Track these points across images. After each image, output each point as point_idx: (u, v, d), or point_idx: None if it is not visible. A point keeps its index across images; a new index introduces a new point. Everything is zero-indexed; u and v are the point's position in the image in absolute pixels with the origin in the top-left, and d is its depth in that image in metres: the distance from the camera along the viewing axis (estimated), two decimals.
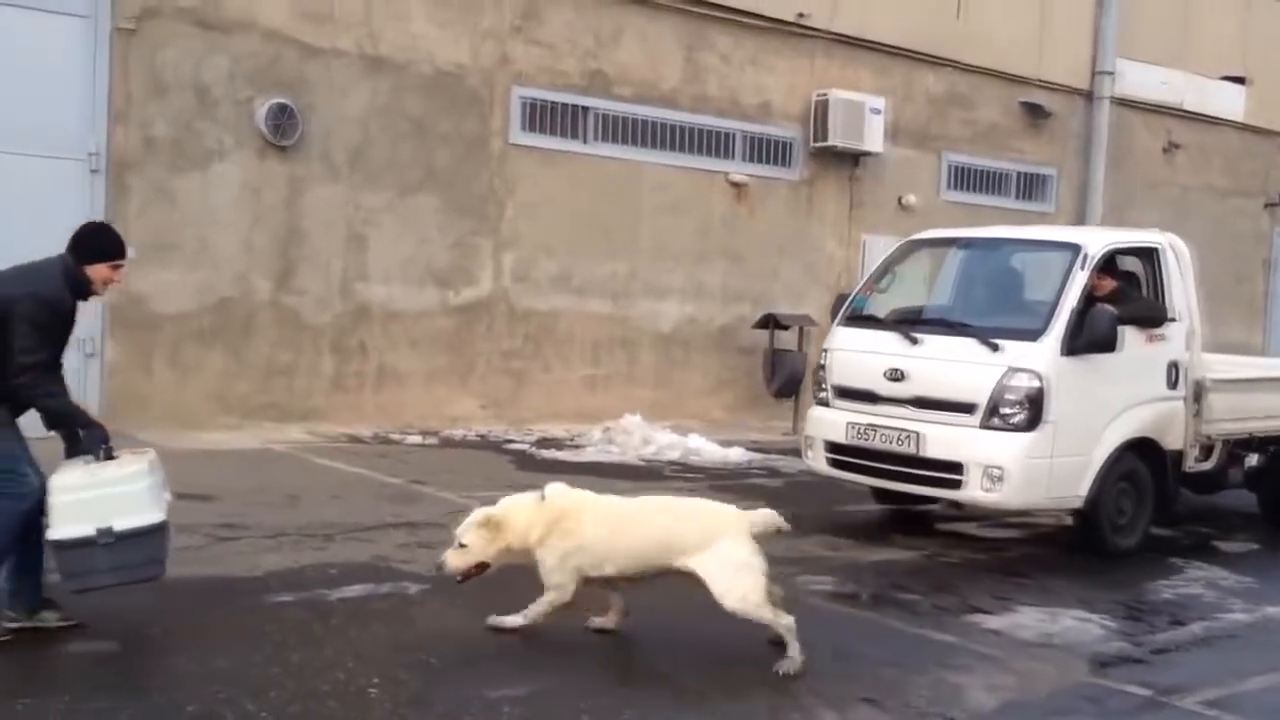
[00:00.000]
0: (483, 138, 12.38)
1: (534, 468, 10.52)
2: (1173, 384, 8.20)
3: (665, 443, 11.56)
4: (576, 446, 11.61)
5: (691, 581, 5.33)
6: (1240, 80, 18.77)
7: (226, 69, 10.87)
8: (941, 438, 7.69)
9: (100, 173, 10.32)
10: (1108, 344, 7.65)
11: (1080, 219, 17.13)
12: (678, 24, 13.50)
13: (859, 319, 8.71)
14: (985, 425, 7.57)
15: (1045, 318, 7.70)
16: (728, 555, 5.29)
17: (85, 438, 5.30)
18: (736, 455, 11.45)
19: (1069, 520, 8.36)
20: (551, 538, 5.45)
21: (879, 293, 8.94)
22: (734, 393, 14.16)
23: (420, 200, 12.05)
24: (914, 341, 8.05)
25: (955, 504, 8.52)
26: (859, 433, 8.16)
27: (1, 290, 5.12)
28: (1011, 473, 7.45)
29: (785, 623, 5.29)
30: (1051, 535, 8.83)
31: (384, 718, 4.56)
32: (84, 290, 5.42)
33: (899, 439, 7.88)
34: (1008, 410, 7.52)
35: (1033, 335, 7.65)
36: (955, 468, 7.62)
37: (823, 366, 8.66)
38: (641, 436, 11.66)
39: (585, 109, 12.98)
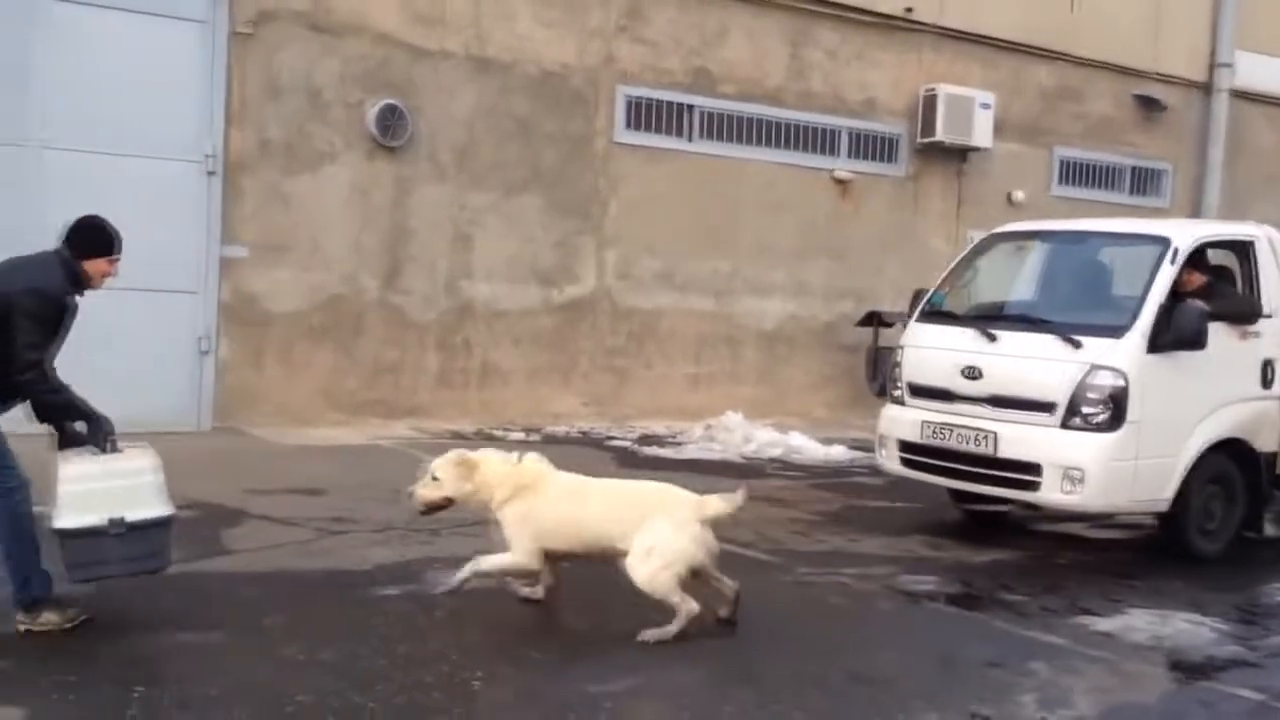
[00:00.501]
0: (587, 137, 12.46)
1: (635, 464, 10.58)
2: (1267, 383, 7.87)
3: (766, 440, 11.54)
4: (678, 444, 11.64)
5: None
6: None
7: (338, 71, 11.09)
8: (1018, 437, 7.45)
9: (216, 175, 10.60)
10: (1195, 341, 7.32)
11: (1195, 214, 16.66)
12: (783, 20, 13.43)
13: (936, 315, 8.47)
14: (1065, 425, 7.31)
15: (1130, 313, 7.41)
16: (652, 532, 5.42)
17: (91, 429, 5.27)
18: (838, 453, 11.39)
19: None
20: (513, 500, 5.61)
21: (959, 288, 8.72)
22: (836, 390, 14.05)
23: (525, 199, 12.18)
24: (991, 338, 7.81)
25: (1032, 506, 8.20)
26: (933, 432, 7.94)
27: (1, 286, 5.07)
28: (1092, 474, 7.19)
29: (689, 609, 5.41)
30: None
31: (488, 711, 4.63)
32: (82, 284, 5.44)
33: (974, 439, 7.65)
34: (1089, 410, 7.26)
35: (1117, 332, 7.36)
36: (1033, 469, 7.37)
37: (897, 364, 8.44)
38: (743, 434, 11.65)
39: (689, 107, 13.00)
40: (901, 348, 8.48)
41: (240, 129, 10.72)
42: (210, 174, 10.57)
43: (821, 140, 13.86)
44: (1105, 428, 7.22)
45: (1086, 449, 7.23)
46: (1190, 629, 6.20)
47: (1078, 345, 7.38)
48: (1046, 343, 7.54)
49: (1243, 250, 8.06)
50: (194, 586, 6.01)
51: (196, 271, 10.59)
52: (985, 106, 14.43)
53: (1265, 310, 7.91)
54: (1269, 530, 8.46)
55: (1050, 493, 7.33)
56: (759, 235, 13.50)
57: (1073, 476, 7.21)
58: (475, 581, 5.70)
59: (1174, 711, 5.08)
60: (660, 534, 5.42)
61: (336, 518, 7.71)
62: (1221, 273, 8.13)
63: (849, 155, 14.07)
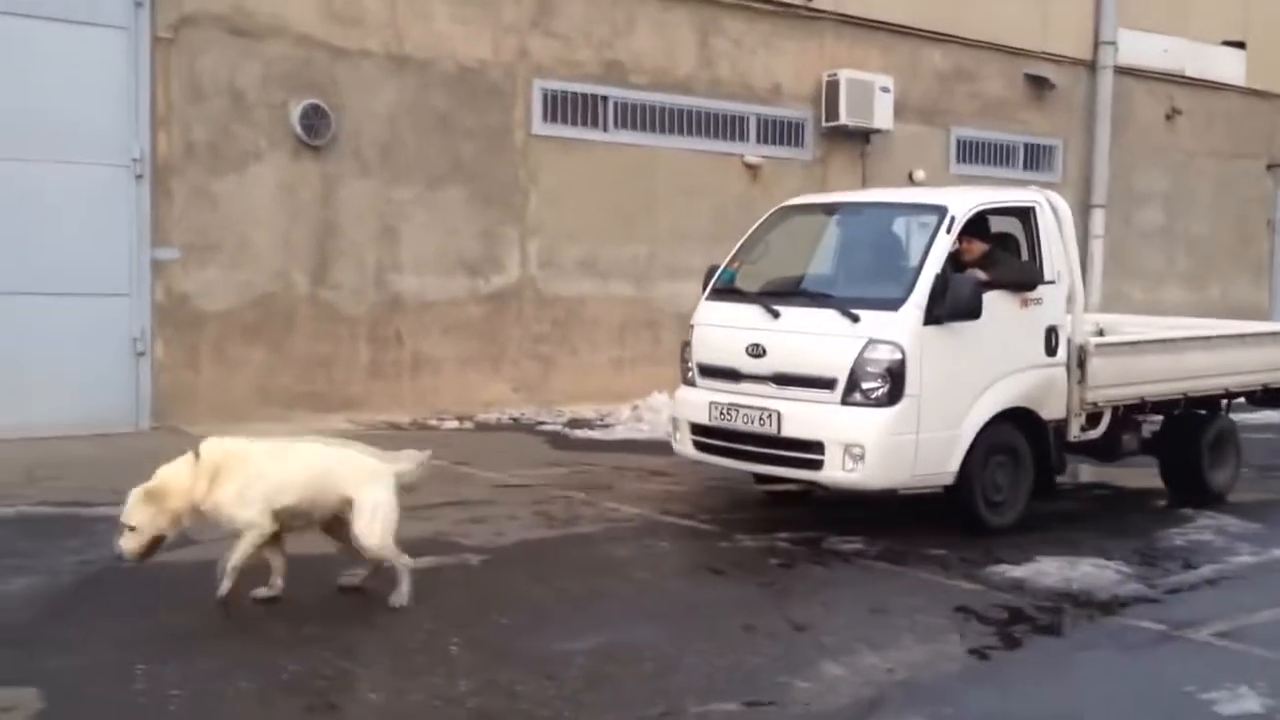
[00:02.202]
0: (506, 129, 12.80)
1: (568, 446, 11.01)
2: (1051, 350, 7.77)
3: None
4: (607, 425, 12.06)
5: (339, 523, 5.81)
6: (1240, 45, 19.09)
7: (260, 73, 11.29)
8: (801, 416, 7.28)
9: (144, 178, 10.74)
10: (971, 311, 7.19)
11: (1086, 188, 17.51)
12: (690, 11, 13.88)
13: (725, 292, 8.22)
14: (846, 401, 7.16)
15: (906, 285, 7.23)
16: (371, 499, 5.68)
17: None
18: None
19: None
20: (220, 485, 5.54)
21: (749, 264, 8.40)
22: None
23: (448, 192, 12.48)
24: (775, 315, 7.61)
25: (819, 486, 7.82)
26: (721, 413, 7.72)
27: None
28: (872, 450, 7.03)
29: (406, 563, 5.81)
30: (1072, 491, 9.28)
31: (468, 669, 5.01)
32: None
33: (759, 418, 7.46)
34: (868, 385, 7.11)
35: (893, 305, 7.19)
36: (815, 447, 7.19)
37: (687, 343, 8.23)
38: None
39: (603, 98, 13.39)
40: (692, 326, 8.27)
41: (166, 132, 10.88)
42: (138, 177, 10.71)
43: (731, 127, 14.35)
44: (884, 402, 7.09)
45: (866, 425, 7.08)
46: (1095, 572, 6.80)
47: (856, 319, 7.22)
48: (827, 318, 7.37)
49: (1025, 217, 7.96)
50: (168, 575, 6.27)
51: (128, 274, 10.74)
52: (885, 90, 15.02)
53: (1047, 277, 7.81)
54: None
55: (833, 471, 7.17)
56: (675, 221, 13.95)
57: (853, 454, 7.05)
58: (234, 578, 5.64)
59: (1085, 643, 5.65)
60: (380, 498, 5.71)
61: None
62: (1005, 241, 8.00)
63: (758, 140, 14.57)
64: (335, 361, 11.97)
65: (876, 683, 4.99)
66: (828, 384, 7.24)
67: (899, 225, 8.12)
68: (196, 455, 5.62)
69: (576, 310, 13.40)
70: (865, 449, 7.05)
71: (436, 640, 5.35)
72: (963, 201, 7.73)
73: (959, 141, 16.32)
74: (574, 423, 12.20)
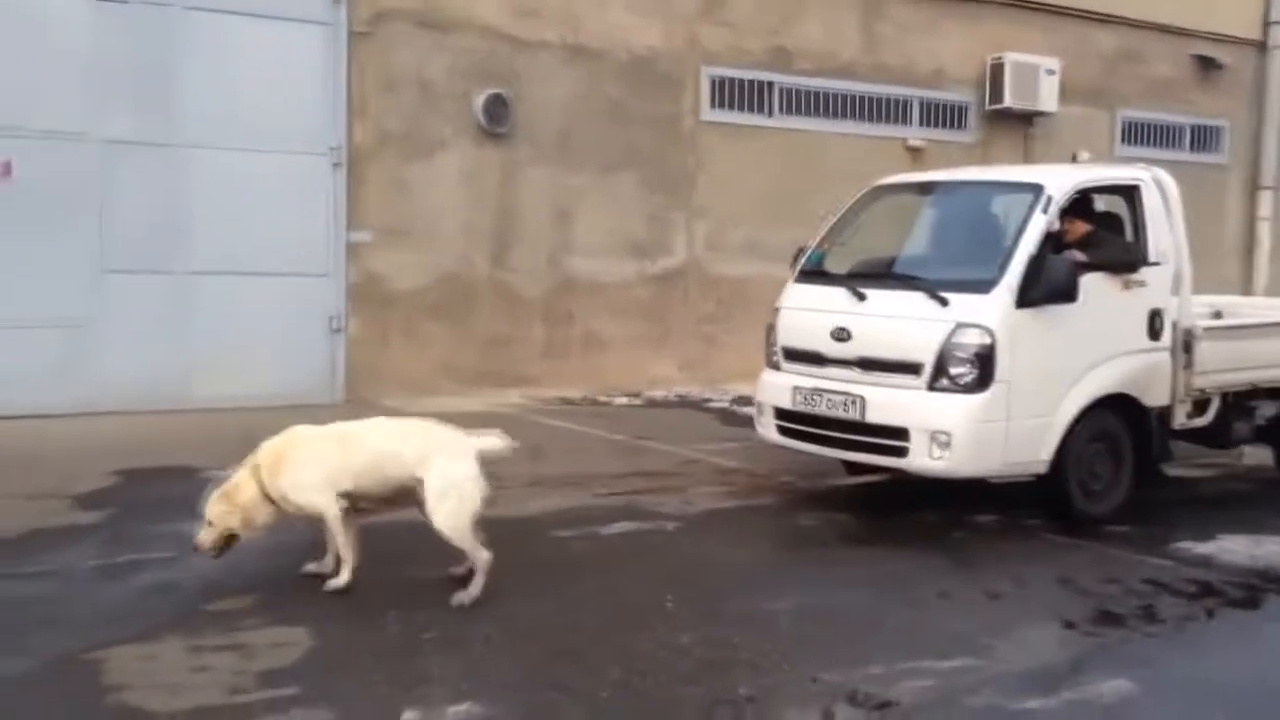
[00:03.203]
0: (675, 116, 13.18)
1: (737, 422, 11.35)
2: (1155, 334, 7.49)
3: None
4: None
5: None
6: None
7: (447, 65, 11.85)
8: (886, 401, 7.09)
9: (341, 165, 11.39)
10: (1067, 293, 6.96)
11: (1254, 169, 17.19)
12: None
13: (813, 274, 8.02)
14: (933, 387, 6.95)
15: (998, 267, 6.98)
16: (445, 471, 5.47)
17: None
18: None
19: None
20: (282, 474, 5.53)
21: (839, 245, 8.18)
22: None
23: (620, 178, 12.91)
24: (861, 298, 7.44)
25: (905, 473, 7.44)
26: (805, 398, 7.55)
27: None
28: (960, 438, 6.81)
29: (483, 557, 5.53)
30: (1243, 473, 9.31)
31: (686, 623, 5.40)
32: None
33: (844, 404, 7.28)
34: (956, 370, 6.89)
35: (984, 287, 6.94)
36: (900, 434, 7.00)
37: (773, 327, 8.04)
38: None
39: (769, 84, 13.67)
40: (778, 309, 8.07)
41: (361, 122, 11.52)
42: (336, 165, 11.37)
43: (894, 110, 14.50)
44: (973, 388, 6.86)
45: (953, 411, 6.86)
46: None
47: (944, 303, 6.99)
48: (914, 301, 7.15)
49: (1129, 195, 7.68)
50: (394, 532, 6.83)
51: (326, 256, 11.41)
52: (1050, 72, 14.99)
53: (1152, 258, 7.52)
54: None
55: (918, 458, 6.95)
56: (838, 203, 14.11)
57: (940, 440, 6.84)
58: (351, 560, 5.65)
59: (1276, 615, 5.81)
60: (456, 473, 5.49)
61: (489, 475, 8.42)
62: (1109, 220, 7.71)
63: (920, 124, 14.69)
64: (512, 340, 12.51)
65: (1077, 646, 5.25)
66: (914, 369, 7.03)
67: (995, 205, 7.84)
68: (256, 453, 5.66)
69: (740, 291, 13.71)
70: (952, 436, 6.82)
71: (652, 597, 5.75)
72: (1061, 180, 7.46)
73: (1125, 123, 16.18)
74: (739, 400, 12.53)
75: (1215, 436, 8.21)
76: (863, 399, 7.19)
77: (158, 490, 7.61)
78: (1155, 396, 7.56)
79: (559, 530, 7.02)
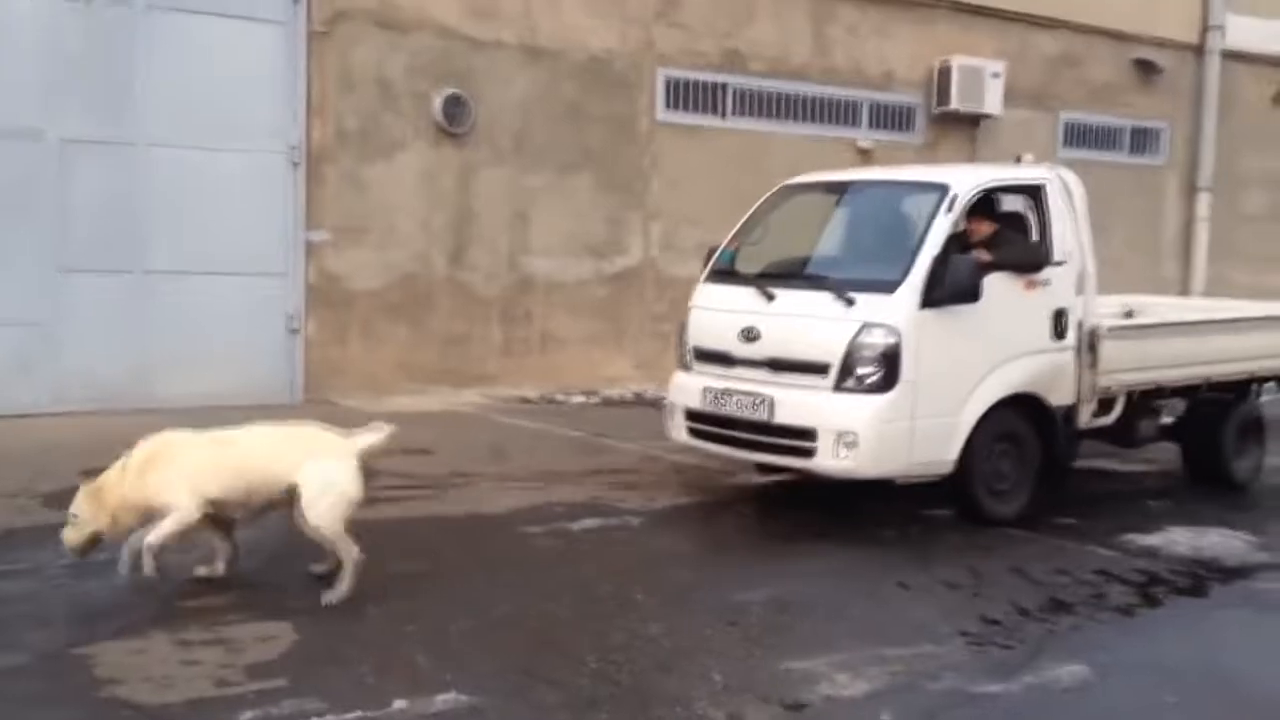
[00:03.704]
0: (631, 117, 13.33)
1: None
2: (1060, 333, 7.53)
3: None
4: None
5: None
6: None
7: (405, 65, 11.92)
8: (793, 402, 7.06)
9: (299, 164, 11.43)
10: (971, 293, 6.96)
11: (1192, 170, 17.67)
12: (807, 1, 14.29)
13: (724, 274, 8.01)
14: (839, 388, 6.94)
15: (903, 267, 6.96)
16: (320, 473, 5.48)
17: None
18: None
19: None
20: (149, 474, 5.47)
21: (749, 245, 8.18)
22: None
23: (576, 178, 13.04)
24: (770, 297, 7.41)
25: (813, 475, 7.44)
26: (714, 398, 7.53)
27: None
28: (865, 438, 6.79)
29: (353, 554, 5.53)
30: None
31: (656, 615, 5.57)
32: None
33: (752, 404, 7.25)
34: (862, 370, 6.87)
35: (889, 287, 6.93)
36: (808, 434, 6.97)
37: (684, 326, 8.05)
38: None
39: (723, 86, 13.87)
40: (689, 309, 8.07)
41: (320, 121, 11.55)
42: (294, 164, 11.39)
43: (844, 112, 14.74)
44: (878, 388, 6.85)
45: (859, 411, 6.85)
46: (1223, 541, 7.21)
47: (851, 303, 7.00)
48: (822, 301, 7.14)
49: (1034, 195, 7.69)
50: (367, 529, 6.93)
51: (284, 255, 11.43)
52: (995, 75, 15.29)
53: (1056, 258, 7.54)
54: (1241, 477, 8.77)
55: (825, 459, 6.94)
56: None
57: (846, 441, 6.82)
58: (151, 556, 5.43)
59: (1222, 603, 6.09)
60: (330, 475, 5.49)
61: (455, 472, 8.62)
62: (1014, 220, 7.71)
63: (870, 125, 14.96)
64: (470, 339, 12.60)
65: (1032, 634, 5.48)
66: (821, 369, 7.01)
67: (901, 205, 7.80)
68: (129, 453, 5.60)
69: (694, 291, 13.88)
70: (858, 436, 6.80)
71: (621, 590, 5.92)
72: (965, 180, 7.45)
73: (1066, 125, 16.55)
74: None
75: (1121, 435, 8.29)
76: (771, 399, 7.17)
77: None
78: (1060, 396, 7.58)
79: (527, 526, 7.15)
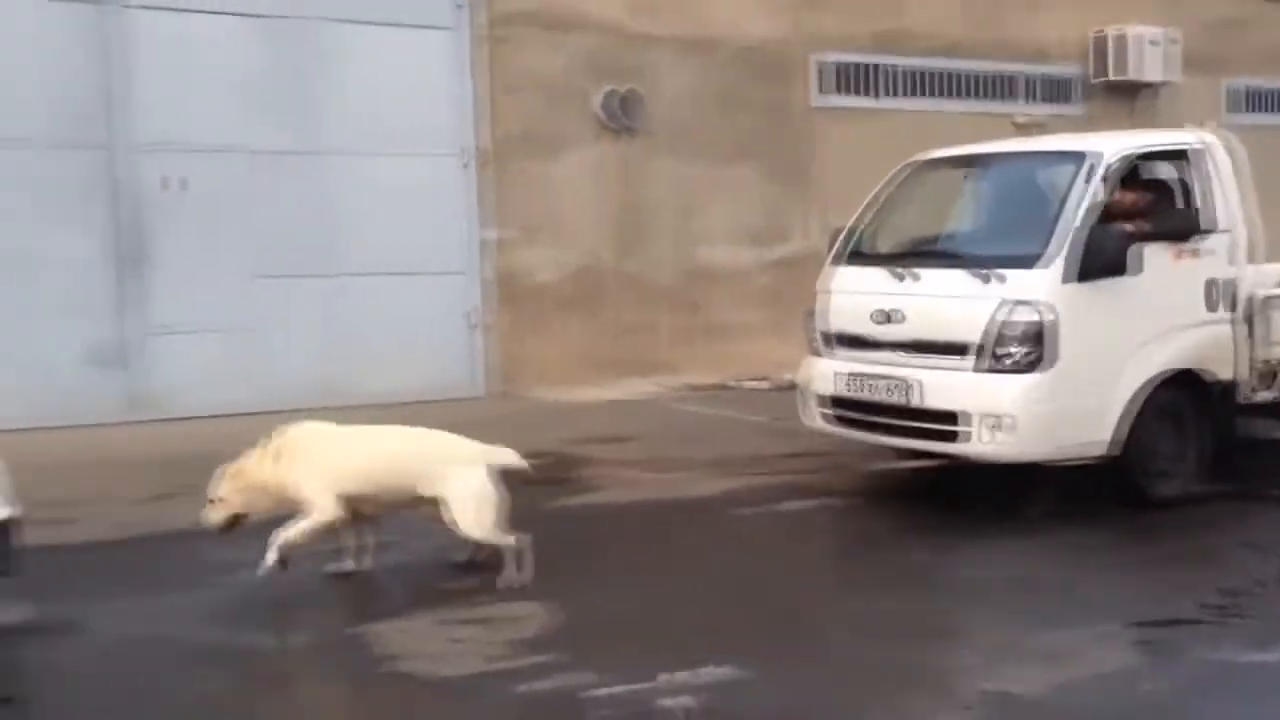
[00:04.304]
0: (788, 103, 13.42)
1: None
2: (1212, 305, 7.18)
3: None
4: None
5: (435, 510, 5.68)
6: None
7: (568, 64, 12.19)
8: (937, 384, 6.85)
9: (472, 166, 11.78)
10: (1117, 266, 6.69)
11: None
12: None
13: (855, 255, 7.82)
14: (985, 368, 6.72)
15: (1045, 241, 6.73)
16: (463, 484, 5.58)
17: None
18: None
19: None
20: (286, 468, 5.59)
21: (879, 225, 7.99)
22: None
23: (738, 167, 13.17)
24: (903, 278, 7.24)
25: (959, 459, 7.23)
26: (851, 383, 7.37)
27: None
28: (1015, 420, 6.57)
29: (512, 544, 5.66)
30: None
31: (889, 589, 5.68)
32: None
33: (892, 388, 7.07)
34: (1009, 349, 6.65)
35: (1032, 262, 6.71)
36: (953, 418, 6.77)
37: (813, 312, 7.85)
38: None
39: (877, 67, 13.86)
40: (819, 293, 7.90)
41: (490, 123, 11.88)
42: (466, 166, 11.75)
43: (1001, 87, 14.62)
44: (1025, 368, 6.63)
45: (1008, 392, 6.62)
46: None
47: (990, 280, 6.78)
48: (960, 279, 6.93)
49: (1185, 160, 7.34)
50: (588, 514, 7.23)
51: (463, 254, 11.80)
52: (1155, 43, 14.99)
53: (1211, 225, 7.20)
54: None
55: (974, 443, 6.70)
56: None
57: (995, 423, 6.61)
58: (285, 554, 5.58)
59: None
60: (475, 485, 5.61)
61: (656, 458, 8.80)
62: (1163, 188, 7.37)
63: (1027, 99, 14.79)
64: (643, 329, 12.82)
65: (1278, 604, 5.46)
66: (964, 350, 6.79)
67: (1040, 176, 7.54)
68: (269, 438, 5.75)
69: None
70: (1008, 418, 6.58)
71: (849, 568, 6.08)
72: (1107, 147, 7.13)
73: (1231, 91, 16.12)
74: None
75: None
76: (913, 382, 6.97)
77: None
78: (1219, 370, 7.24)
79: (738, 509, 7.30)
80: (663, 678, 4.57)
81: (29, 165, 10.05)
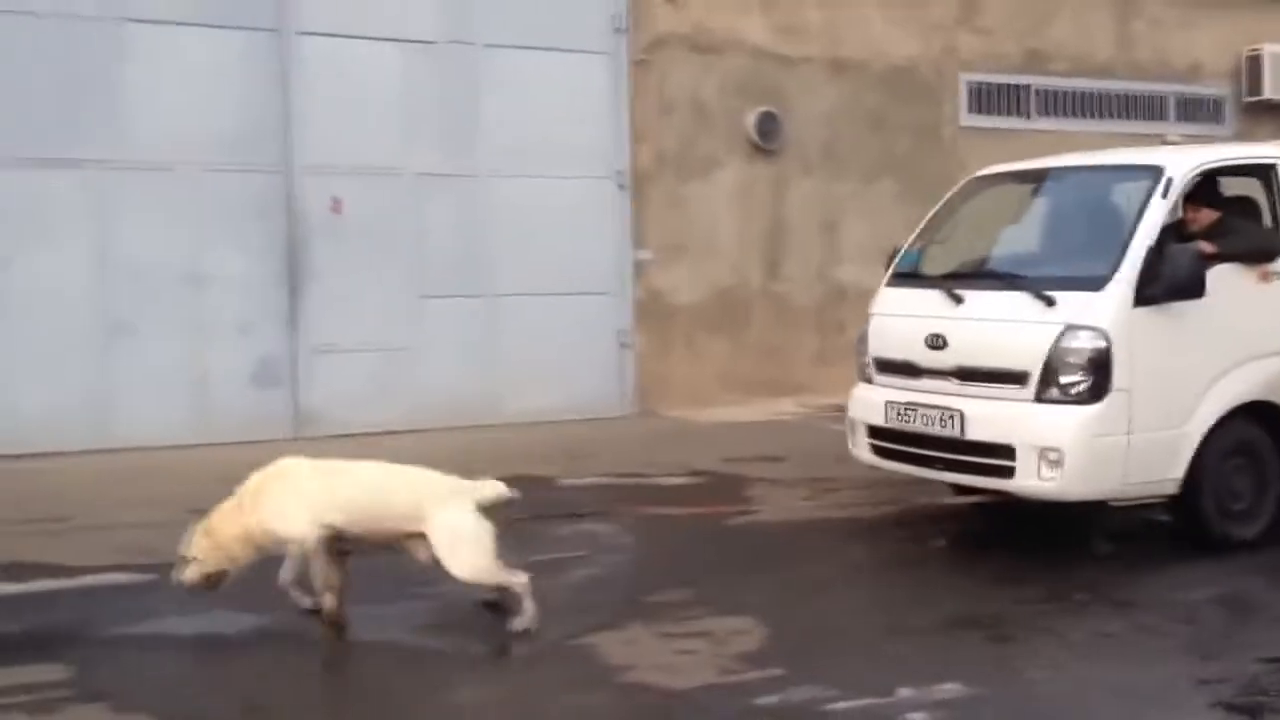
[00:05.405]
0: (934, 124, 13.36)
1: None
2: None
3: None
4: None
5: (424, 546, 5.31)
6: None
7: (719, 85, 12.28)
8: (987, 415, 6.35)
9: (626, 188, 11.90)
10: (1192, 288, 6.15)
11: None
12: None
13: (908, 277, 7.39)
14: (1040, 398, 6.20)
15: (1112, 261, 6.20)
16: (447, 526, 5.22)
17: None
18: None
19: None
20: (263, 504, 5.28)
21: (936, 244, 7.53)
22: None
23: (882, 186, 13.13)
24: (959, 300, 6.72)
25: (1012, 496, 6.70)
26: (899, 413, 6.86)
27: None
28: (1072, 455, 6.05)
29: (520, 581, 5.29)
30: None
31: (1100, 610, 5.62)
32: None
33: (941, 419, 6.57)
34: (1067, 378, 6.13)
35: (1096, 284, 6.19)
36: (1005, 451, 6.24)
37: (863, 336, 7.46)
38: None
39: (1026, 87, 13.75)
40: (870, 316, 7.49)
41: (642, 145, 12.01)
42: (621, 187, 11.89)
43: (1150, 107, 14.40)
44: (1086, 399, 6.11)
45: (1064, 425, 6.11)
46: None
47: (1052, 303, 6.28)
48: (1018, 301, 6.43)
49: (1265, 176, 6.84)
50: (765, 532, 7.25)
51: (614, 274, 11.93)
52: None
53: None
54: None
55: (1026, 479, 6.20)
56: None
57: (1050, 459, 6.08)
58: (297, 594, 5.45)
59: None
60: (464, 525, 5.25)
61: (814, 478, 8.82)
62: (1244, 205, 6.93)
63: (1176, 119, 14.54)
64: (785, 349, 12.82)
65: None
66: (1018, 378, 6.29)
67: (1107, 192, 7.04)
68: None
69: None
70: (1064, 453, 6.06)
71: (1051, 587, 5.98)
72: (1183, 161, 6.64)
73: None
74: None
75: None
76: (961, 413, 6.46)
77: (529, 496, 8.09)
78: None
79: (899, 530, 7.36)
80: (902, 693, 4.58)
81: (202, 186, 10.36)
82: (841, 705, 4.48)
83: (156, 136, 10.13)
